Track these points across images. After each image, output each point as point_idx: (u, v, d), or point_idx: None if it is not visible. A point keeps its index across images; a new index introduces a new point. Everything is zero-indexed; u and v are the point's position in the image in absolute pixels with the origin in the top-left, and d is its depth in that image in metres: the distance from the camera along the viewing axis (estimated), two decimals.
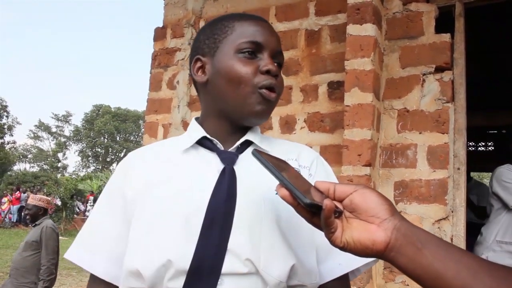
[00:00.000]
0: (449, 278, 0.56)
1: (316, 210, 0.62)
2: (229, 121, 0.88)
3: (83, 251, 0.88)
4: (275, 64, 0.87)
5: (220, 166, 0.83)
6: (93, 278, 0.88)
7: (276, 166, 0.68)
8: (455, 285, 0.55)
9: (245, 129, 0.90)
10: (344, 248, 0.63)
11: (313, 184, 0.69)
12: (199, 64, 0.90)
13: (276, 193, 0.81)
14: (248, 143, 0.89)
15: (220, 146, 0.87)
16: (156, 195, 0.82)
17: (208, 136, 0.88)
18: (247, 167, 0.83)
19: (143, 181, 0.85)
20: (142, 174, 0.87)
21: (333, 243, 0.63)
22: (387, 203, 0.63)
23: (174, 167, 0.86)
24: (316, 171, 0.90)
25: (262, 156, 0.69)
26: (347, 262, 0.84)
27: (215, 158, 0.85)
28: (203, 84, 0.90)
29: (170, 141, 0.96)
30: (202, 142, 0.88)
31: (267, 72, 0.84)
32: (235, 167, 0.83)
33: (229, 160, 0.84)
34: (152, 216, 0.80)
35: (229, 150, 0.87)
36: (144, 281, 0.76)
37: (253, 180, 0.80)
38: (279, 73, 0.87)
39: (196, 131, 0.89)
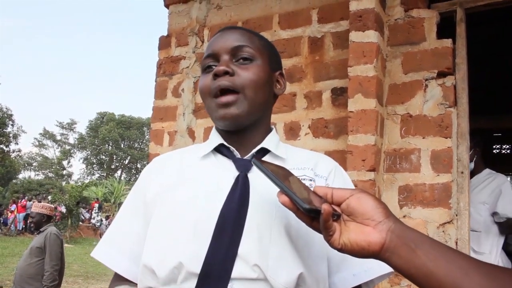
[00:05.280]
0: (441, 277, 0.59)
1: (315, 215, 0.66)
2: (224, 130, 0.92)
3: (108, 250, 0.92)
4: (234, 61, 0.88)
5: (236, 173, 0.86)
6: (116, 276, 0.92)
7: (276, 173, 0.71)
8: (446, 283, 0.58)
9: (262, 137, 0.93)
10: (342, 249, 0.66)
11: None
12: None
13: None
14: (264, 151, 0.91)
15: (236, 153, 0.90)
16: (172, 198, 0.86)
17: (225, 143, 0.90)
18: (262, 175, 0.86)
19: (162, 184, 0.90)
20: (162, 178, 0.91)
21: (331, 245, 0.67)
22: (382, 206, 0.67)
23: (192, 172, 0.90)
24: (334, 180, 0.91)
25: (262, 165, 0.72)
26: (362, 273, 0.85)
27: (232, 165, 0.88)
28: None
29: (193, 148, 1.00)
30: (221, 150, 0.91)
31: (215, 76, 0.87)
32: (250, 175, 0.86)
33: (243, 168, 0.87)
34: (167, 218, 0.84)
35: (245, 157, 0.90)
36: (159, 281, 0.79)
37: (266, 188, 0.82)
38: (235, 68, 0.88)
39: (215, 138, 0.93)
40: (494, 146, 7.63)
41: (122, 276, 0.89)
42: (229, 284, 0.76)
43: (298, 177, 0.76)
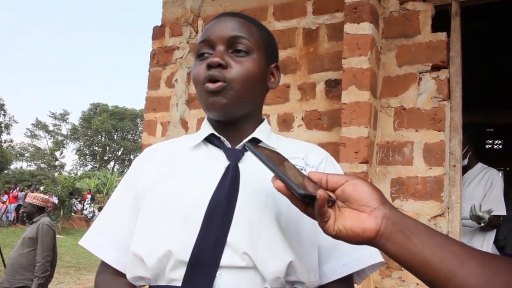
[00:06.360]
0: (436, 264, 0.59)
1: (310, 200, 0.65)
2: (215, 120, 0.91)
3: (97, 239, 0.92)
4: (229, 52, 0.86)
5: (227, 162, 0.86)
6: (104, 266, 0.91)
7: (271, 158, 0.69)
8: (441, 270, 0.58)
9: (254, 128, 0.92)
10: (336, 236, 0.65)
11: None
12: None
13: None
14: (256, 141, 0.91)
15: (227, 143, 0.89)
16: (162, 188, 0.85)
17: (216, 133, 0.90)
18: (252, 164, 0.83)
19: (153, 175, 0.89)
20: (153, 168, 0.91)
21: (326, 231, 0.66)
22: (377, 193, 0.66)
23: (183, 162, 0.90)
24: (325, 170, 0.91)
25: (256, 149, 0.71)
26: (352, 263, 0.84)
27: (222, 155, 0.88)
28: None
29: (184, 138, 0.99)
30: (212, 140, 0.91)
31: (209, 67, 0.85)
32: (240, 164, 0.85)
33: (234, 157, 0.86)
34: (157, 208, 0.83)
35: (236, 147, 0.89)
36: (148, 270, 0.79)
37: (257, 177, 0.82)
38: (229, 61, 0.86)
39: (206, 129, 0.92)
40: (486, 141, 7.70)
41: (111, 265, 0.89)
42: (217, 272, 0.75)
43: (301, 168, 0.75)
